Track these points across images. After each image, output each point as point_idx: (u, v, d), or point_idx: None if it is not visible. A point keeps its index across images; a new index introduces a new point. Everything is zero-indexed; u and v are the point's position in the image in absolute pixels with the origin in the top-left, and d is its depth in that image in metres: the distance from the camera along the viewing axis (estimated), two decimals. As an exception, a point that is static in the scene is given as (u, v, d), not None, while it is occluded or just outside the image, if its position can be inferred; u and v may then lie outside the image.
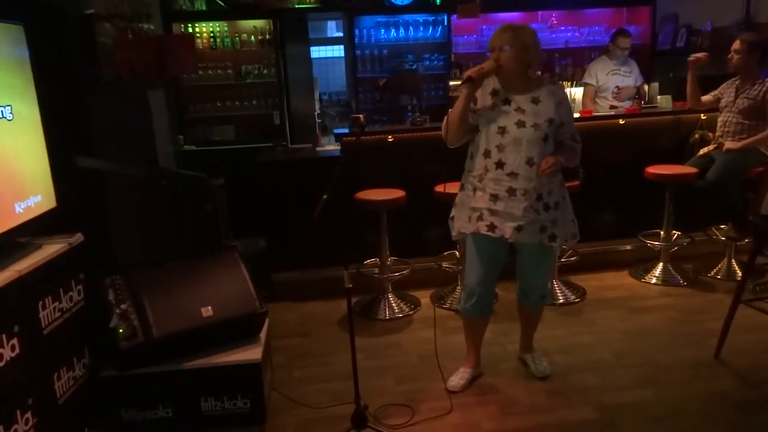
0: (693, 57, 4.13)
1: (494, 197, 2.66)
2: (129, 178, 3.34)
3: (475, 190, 2.73)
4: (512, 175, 2.63)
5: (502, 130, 2.63)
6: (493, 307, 2.99)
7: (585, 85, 5.54)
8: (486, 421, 2.71)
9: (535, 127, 2.61)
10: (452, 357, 3.18)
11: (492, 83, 2.69)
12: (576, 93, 6.23)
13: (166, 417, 2.52)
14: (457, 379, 3.00)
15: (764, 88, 3.90)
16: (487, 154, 2.67)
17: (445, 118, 2.75)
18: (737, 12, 5.13)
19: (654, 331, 3.48)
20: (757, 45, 3.92)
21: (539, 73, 2.78)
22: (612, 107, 5.13)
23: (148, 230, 3.47)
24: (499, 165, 2.64)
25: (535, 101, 2.65)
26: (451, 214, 2.90)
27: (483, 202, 2.69)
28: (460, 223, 2.82)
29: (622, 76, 5.30)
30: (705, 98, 4.24)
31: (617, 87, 4.74)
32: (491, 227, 2.69)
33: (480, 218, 2.71)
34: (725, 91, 4.13)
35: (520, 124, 2.62)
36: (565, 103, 2.70)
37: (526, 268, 2.90)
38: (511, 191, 2.64)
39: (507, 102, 2.67)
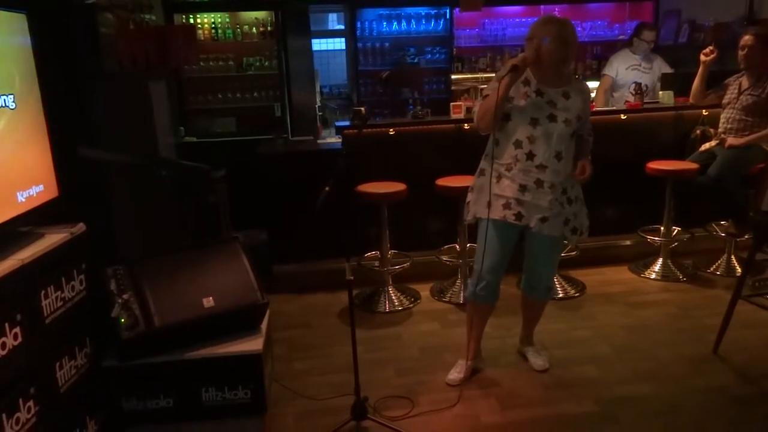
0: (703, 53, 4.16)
1: (523, 188, 2.69)
2: (130, 169, 3.34)
3: (500, 177, 2.74)
4: (541, 167, 2.67)
5: (535, 122, 2.66)
6: (499, 294, 2.97)
7: (603, 75, 5.45)
8: (486, 414, 2.72)
9: (566, 123, 2.67)
10: (453, 351, 3.19)
11: (525, 73, 2.71)
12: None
13: (167, 407, 2.53)
14: (457, 372, 3.01)
15: (769, 86, 3.90)
16: (518, 144, 2.69)
17: (479, 105, 2.76)
18: (740, 7, 5.12)
19: (653, 326, 3.49)
20: None
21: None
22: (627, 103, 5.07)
23: (150, 221, 3.47)
24: (530, 156, 2.68)
25: (566, 96, 2.69)
26: (468, 199, 2.90)
27: (511, 192, 2.71)
28: (477, 208, 2.82)
29: (641, 72, 5.17)
30: (708, 94, 4.24)
31: (635, 83, 4.71)
32: (519, 216, 2.72)
33: (508, 207, 2.72)
34: (728, 87, 4.13)
35: (552, 118, 2.66)
36: (588, 100, 2.80)
37: (536, 259, 2.91)
38: (539, 183, 2.68)
39: (539, 93, 2.69)
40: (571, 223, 2.79)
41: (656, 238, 4.28)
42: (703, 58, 4.13)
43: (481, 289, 2.88)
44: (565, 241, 2.94)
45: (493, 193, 2.75)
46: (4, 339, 1.89)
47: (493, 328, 3.50)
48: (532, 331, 3.16)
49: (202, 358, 2.52)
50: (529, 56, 2.63)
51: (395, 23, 6.28)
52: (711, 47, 4.14)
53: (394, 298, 3.94)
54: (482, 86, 3.09)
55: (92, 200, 2.89)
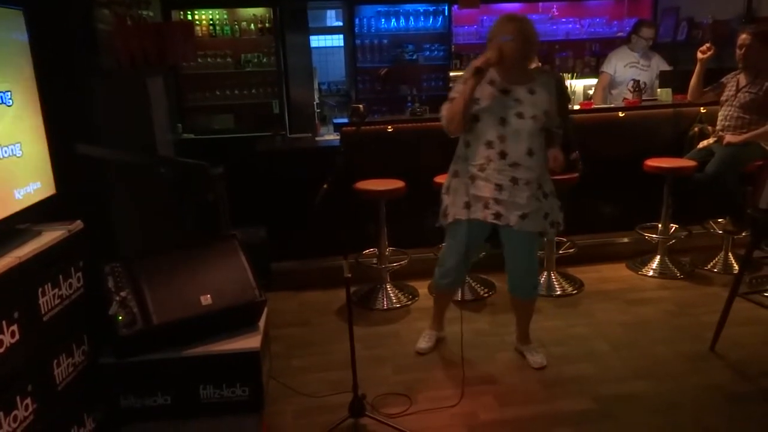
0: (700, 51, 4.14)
1: (499, 187, 2.73)
2: (128, 166, 3.33)
3: (474, 178, 2.78)
4: (515, 165, 2.71)
5: (503, 122, 2.69)
6: (464, 279, 3.25)
7: (601, 73, 5.44)
8: (483, 411, 2.73)
9: (535, 119, 2.70)
10: (451, 347, 3.20)
11: (489, 73, 2.73)
12: (576, 85, 6.21)
13: (165, 404, 2.52)
14: (426, 341, 3.25)
15: (767, 83, 3.89)
16: (489, 144, 2.73)
17: (445, 108, 2.80)
18: (738, 5, 5.12)
19: (651, 324, 3.50)
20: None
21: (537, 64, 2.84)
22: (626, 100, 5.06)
23: (148, 218, 3.46)
24: (502, 155, 2.71)
25: (532, 92, 2.73)
26: (445, 202, 2.95)
27: (488, 192, 2.75)
28: (455, 210, 2.88)
29: (639, 69, 5.16)
30: (705, 92, 4.24)
31: (633, 80, 4.71)
32: (497, 216, 2.76)
33: (486, 207, 2.77)
34: (726, 85, 4.13)
35: (520, 115, 2.69)
36: (554, 94, 2.82)
37: (518, 258, 2.93)
38: (515, 181, 2.72)
39: (505, 92, 2.72)
40: (550, 217, 2.85)
41: (654, 236, 4.29)
42: (700, 55, 4.12)
43: (447, 282, 3.10)
44: (545, 238, 2.96)
45: (472, 194, 2.80)
46: (1, 336, 1.89)
47: (491, 325, 3.51)
48: (526, 329, 3.17)
49: (200, 355, 2.52)
50: (491, 56, 2.65)
51: (393, 20, 6.27)
52: (708, 44, 4.14)
53: (392, 295, 3.94)
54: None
55: (90, 198, 2.88)
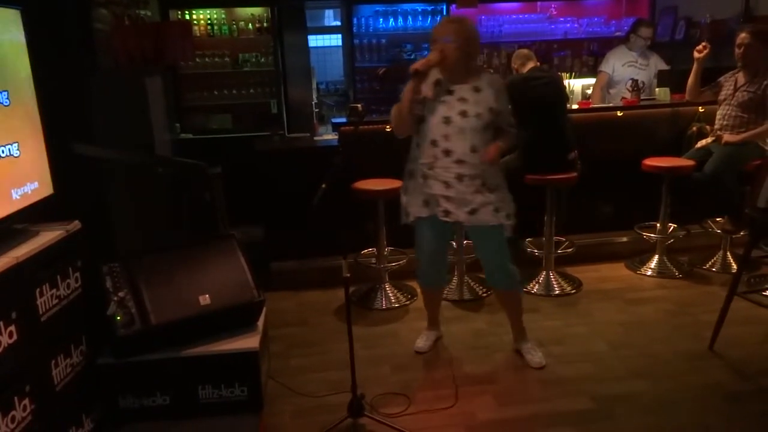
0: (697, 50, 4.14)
1: (446, 184, 2.81)
2: (126, 166, 3.33)
3: (425, 177, 2.85)
4: (459, 162, 2.77)
5: (447, 120, 2.76)
6: (446, 276, 3.29)
7: (599, 72, 5.44)
8: (481, 411, 2.73)
9: (478, 117, 2.75)
10: (450, 347, 3.20)
11: (435, 74, 2.80)
12: (574, 84, 6.21)
13: (163, 404, 2.53)
14: (423, 341, 3.26)
15: (765, 82, 3.90)
16: (434, 143, 2.80)
17: (393, 110, 2.89)
18: (736, 4, 5.12)
19: (649, 323, 3.50)
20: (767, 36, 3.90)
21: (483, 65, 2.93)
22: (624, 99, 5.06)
23: (146, 218, 3.46)
24: (447, 153, 2.78)
25: (476, 90, 2.78)
26: (403, 202, 3.00)
27: (438, 189, 2.83)
28: (415, 209, 2.95)
29: (637, 68, 5.15)
30: (703, 91, 4.24)
31: (631, 79, 4.71)
32: (446, 212, 2.85)
33: (437, 204, 2.86)
34: (724, 84, 4.13)
35: (464, 114, 2.75)
36: (503, 93, 2.86)
37: (482, 251, 3.00)
38: (460, 177, 2.78)
39: (449, 92, 2.79)
40: (502, 210, 2.86)
41: (652, 235, 4.29)
42: (696, 54, 4.13)
43: (425, 279, 3.16)
44: (506, 233, 2.93)
45: (425, 192, 2.87)
46: (-1, 337, 1.89)
47: (489, 324, 3.51)
48: (519, 324, 3.17)
49: (199, 355, 2.52)
50: (432, 58, 2.72)
51: (392, 19, 6.27)
52: (704, 43, 4.14)
53: (390, 295, 3.94)
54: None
55: (88, 197, 2.88)
